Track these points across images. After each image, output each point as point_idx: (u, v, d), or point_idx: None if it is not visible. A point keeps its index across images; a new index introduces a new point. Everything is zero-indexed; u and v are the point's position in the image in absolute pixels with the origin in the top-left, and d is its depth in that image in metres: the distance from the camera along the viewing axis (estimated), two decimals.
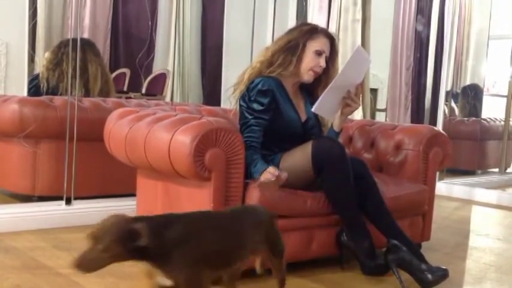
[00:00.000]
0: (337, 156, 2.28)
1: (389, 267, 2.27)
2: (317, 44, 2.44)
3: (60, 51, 3.64)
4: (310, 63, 2.44)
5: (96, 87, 3.70)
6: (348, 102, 2.40)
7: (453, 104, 5.65)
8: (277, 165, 2.34)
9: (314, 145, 2.31)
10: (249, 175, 2.23)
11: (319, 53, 2.44)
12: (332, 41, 2.50)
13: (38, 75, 3.73)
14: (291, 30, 2.52)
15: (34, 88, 3.68)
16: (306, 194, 2.33)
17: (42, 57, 3.96)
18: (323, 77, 2.48)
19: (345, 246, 2.39)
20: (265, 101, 2.34)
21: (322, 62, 2.44)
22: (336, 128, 2.48)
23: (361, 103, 2.47)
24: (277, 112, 2.38)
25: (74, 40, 3.57)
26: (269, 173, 2.16)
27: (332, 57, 2.50)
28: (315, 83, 2.50)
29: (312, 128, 2.52)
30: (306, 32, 2.46)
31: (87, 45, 3.77)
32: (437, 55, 5.81)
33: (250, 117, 2.34)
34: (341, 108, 2.43)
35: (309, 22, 2.55)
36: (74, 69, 3.34)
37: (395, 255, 2.25)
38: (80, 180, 3.13)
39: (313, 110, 2.39)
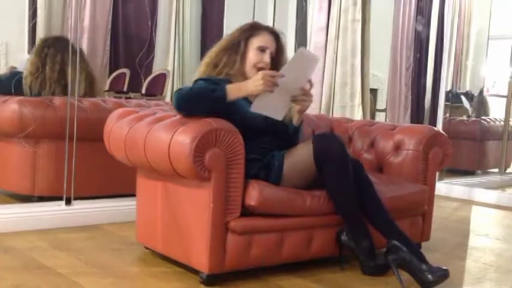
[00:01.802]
0: (338, 152, 2.28)
1: (390, 268, 2.27)
2: (259, 40, 2.42)
3: (44, 53, 3.43)
4: (253, 59, 2.41)
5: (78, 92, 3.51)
6: (298, 101, 2.32)
7: (466, 105, 5.69)
8: (281, 165, 2.33)
9: (315, 141, 2.31)
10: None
11: (262, 49, 2.42)
12: (277, 37, 2.48)
13: (21, 77, 3.47)
14: (233, 31, 2.50)
15: (17, 86, 3.50)
16: (306, 192, 2.33)
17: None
18: None
19: (345, 246, 2.39)
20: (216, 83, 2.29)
21: (266, 58, 2.41)
22: (294, 123, 2.43)
23: (312, 98, 2.36)
24: (235, 110, 2.30)
25: (57, 39, 3.48)
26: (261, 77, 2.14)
27: (278, 53, 2.47)
28: None
29: (275, 122, 2.43)
30: (247, 29, 2.45)
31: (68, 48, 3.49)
32: (437, 55, 5.81)
33: (199, 82, 2.29)
34: (295, 106, 2.37)
35: (250, 21, 2.50)
36: (58, 72, 3.30)
37: (396, 255, 2.25)
38: (79, 181, 3.12)
39: (251, 109, 2.25)
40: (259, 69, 2.37)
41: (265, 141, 2.38)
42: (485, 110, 5.88)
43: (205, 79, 2.33)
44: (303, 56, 2.26)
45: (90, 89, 3.56)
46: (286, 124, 2.45)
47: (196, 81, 2.34)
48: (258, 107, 2.23)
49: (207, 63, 2.44)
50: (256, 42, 2.42)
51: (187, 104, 2.16)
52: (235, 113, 2.28)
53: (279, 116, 2.31)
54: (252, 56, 2.41)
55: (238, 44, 2.42)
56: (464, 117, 5.82)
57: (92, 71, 3.68)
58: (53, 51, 3.39)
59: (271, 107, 2.25)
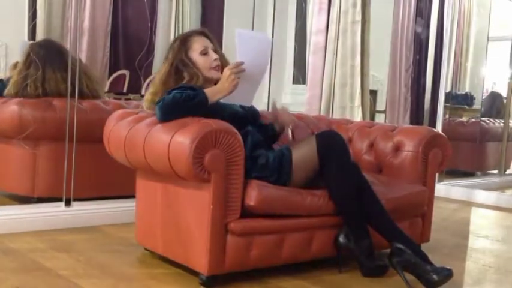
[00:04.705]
0: (341, 145, 2.36)
1: (395, 270, 2.28)
2: (195, 47, 2.47)
3: (24, 75, 3.28)
4: (206, 64, 2.45)
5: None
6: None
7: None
8: (288, 164, 2.34)
9: (319, 136, 2.37)
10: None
11: (204, 52, 2.47)
12: (204, 34, 2.54)
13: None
14: (167, 56, 2.50)
15: None
16: (306, 191, 2.33)
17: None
18: (224, 65, 2.45)
19: (343, 248, 2.39)
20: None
21: (213, 55, 2.47)
22: (277, 128, 2.58)
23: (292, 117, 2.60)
24: (220, 109, 2.34)
25: (37, 50, 3.35)
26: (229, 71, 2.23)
27: (215, 45, 2.53)
28: None
29: (254, 113, 2.56)
30: (179, 47, 2.47)
31: (47, 56, 3.34)
32: (437, 56, 5.81)
33: (174, 91, 2.28)
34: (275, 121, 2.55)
35: (175, 38, 2.59)
36: (41, 90, 3.22)
37: (400, 258, 2.26)
38: (79, 182, 3.12)
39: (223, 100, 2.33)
40: (216, 67, 2.45)
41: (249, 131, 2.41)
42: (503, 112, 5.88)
43: (178, 87, 2.33)
44: (246, 36, 2.32)
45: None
46: (260, 117, 2.58)
47: (169, 92, 2.31)
48: (228, 97, 2.30)
49: (154, 92, 2.43)
50: (195, 50, 2.47)
51: (172, 113, 2.20)
52: (227, 111, 2.35)
53: (248, 102, 2.43)
54: (201, 63, 2.45)
55: (183, 63, 2.44)
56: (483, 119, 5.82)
57: (80, 73, 3.53)
58: (33, 71, 3.30)
59: (240, 94, 2.32)
